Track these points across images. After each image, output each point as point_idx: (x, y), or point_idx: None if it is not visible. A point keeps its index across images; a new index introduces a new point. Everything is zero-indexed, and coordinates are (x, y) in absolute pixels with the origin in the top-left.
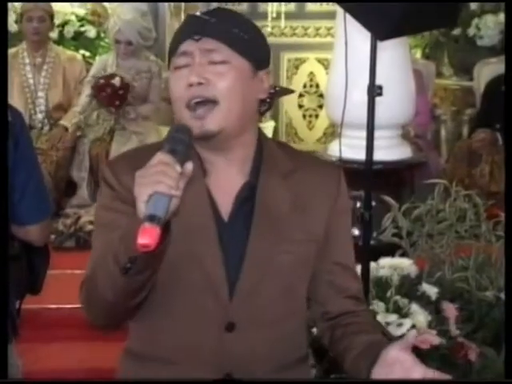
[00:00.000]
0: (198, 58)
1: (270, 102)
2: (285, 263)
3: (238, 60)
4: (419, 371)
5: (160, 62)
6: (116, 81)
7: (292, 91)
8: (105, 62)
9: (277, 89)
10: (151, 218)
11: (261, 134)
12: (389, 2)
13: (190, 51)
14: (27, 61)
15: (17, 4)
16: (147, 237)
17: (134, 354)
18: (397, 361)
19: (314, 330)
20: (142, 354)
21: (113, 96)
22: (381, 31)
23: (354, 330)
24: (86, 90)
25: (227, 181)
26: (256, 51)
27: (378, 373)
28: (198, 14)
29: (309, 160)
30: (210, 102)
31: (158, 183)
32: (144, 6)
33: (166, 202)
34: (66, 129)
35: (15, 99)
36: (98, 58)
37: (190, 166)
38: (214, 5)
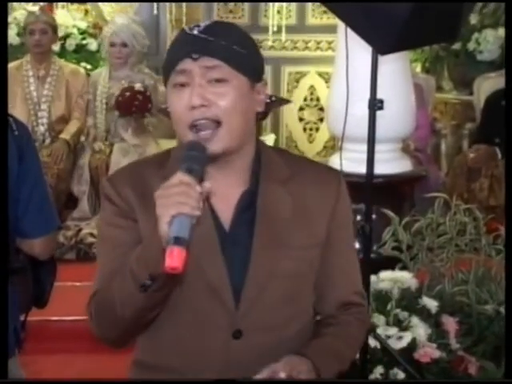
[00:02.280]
0: (198, 78)
1: (265, 112)
2: (289, 269)
3: (238, 77)
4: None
5: (154, 75)
6: (138, 86)
7: (288, 101)
8: (98, 75)
9: (273, 99)
10: (177, 241)
11: (259, 143)
12: (390, 13)
13: (189, 70)
14: (31, 73)
15: (19, 16)
16: (176, 260)
17: (142, 365)
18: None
19: None
20: (150, 364)
21: (145, 100)
22: (382, 45)
23: (322, 333)
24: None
25: (226, 190)
26: (254, 66)
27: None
28: (194, 32)
29: (308, 165)
30: (213, 123)
31: (181, 204)
32: (140, 18)
33: (189, 223)
34: (68, 143)
35: (18, 111)
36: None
37: (208, 185)
38: (215, 8)
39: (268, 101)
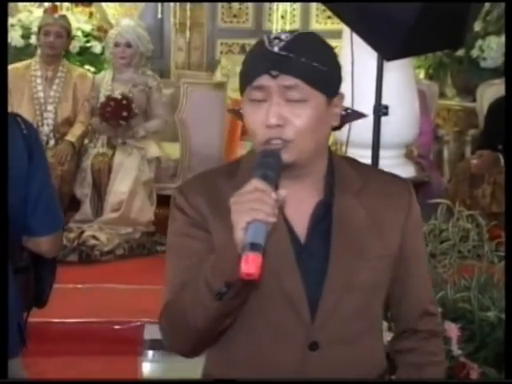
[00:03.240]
0: (276, 97)
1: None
2: (366, 279)
3: (316, 96)
4: None
5: (157, 77)
6: (116, 94)
7: (364, 115)
8: (101, 78)
9: (348, 111)
10: (253, 247)
11: (330, 153)
12: (396, 19)
13: (268, 86)
14: (39, 73)
15: (23, 18)
16: (252, 266)
17: (212, 378)
18: None
19: None
20: (224, 377)
21: (118, 108)
22: (387, 51)
23: (412, 362)
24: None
25: (300, 202)
26: (333, 82)
27: None
28: (275, 48)
29: (377, 175)
30: (287, 141)
31: (256, 211)
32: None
33: (265, 229)
34: (73, 145)
35: (24, 110)
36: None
37: (283, 193)
38: (219, 12)
39: (344, 113)
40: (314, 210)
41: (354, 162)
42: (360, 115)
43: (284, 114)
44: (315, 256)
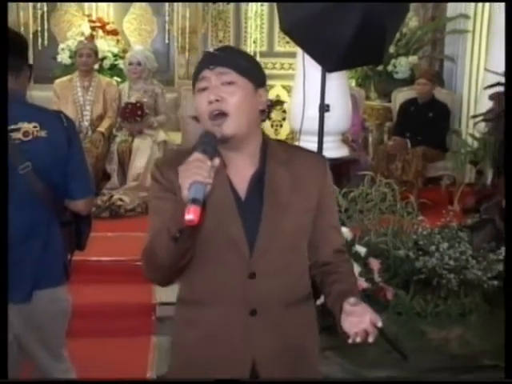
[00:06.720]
0: (214, 81)
1: (267, 112)
2: (289, 227)
3: (243, 81)
4: (367, 315)
5: (161, 85)
6: (132, 99)
7: (283, 102)
8: (122, 88)
9: (272, 101)
10: (193, 201)
11: (264, 135)
12: (335, 43)
13: (208, 76)
14: (78, 84)
15: (70, 44)
16: (192, 215)
17: (182, 301)
18: (352, 311)
19: None
20: (188, 299)
21: (134, 109)
22: (329, 66)
23: (334, 279)
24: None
25: (242, 170)
26: (255, 74)
27: (343, 319)
28: (211, 51)
29: (300, 151)
30: (225, 114)
31: (196, 175)
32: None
33: (203, 188)
34: (103, 133)
35: (69, 111)
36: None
37: (216, 160)
38: (209, 38)
39: (268, 103)
40: (251, 176)
41: (282, 141)
42: (280, 103)
43: (221, 93)
44: (253, 210)
